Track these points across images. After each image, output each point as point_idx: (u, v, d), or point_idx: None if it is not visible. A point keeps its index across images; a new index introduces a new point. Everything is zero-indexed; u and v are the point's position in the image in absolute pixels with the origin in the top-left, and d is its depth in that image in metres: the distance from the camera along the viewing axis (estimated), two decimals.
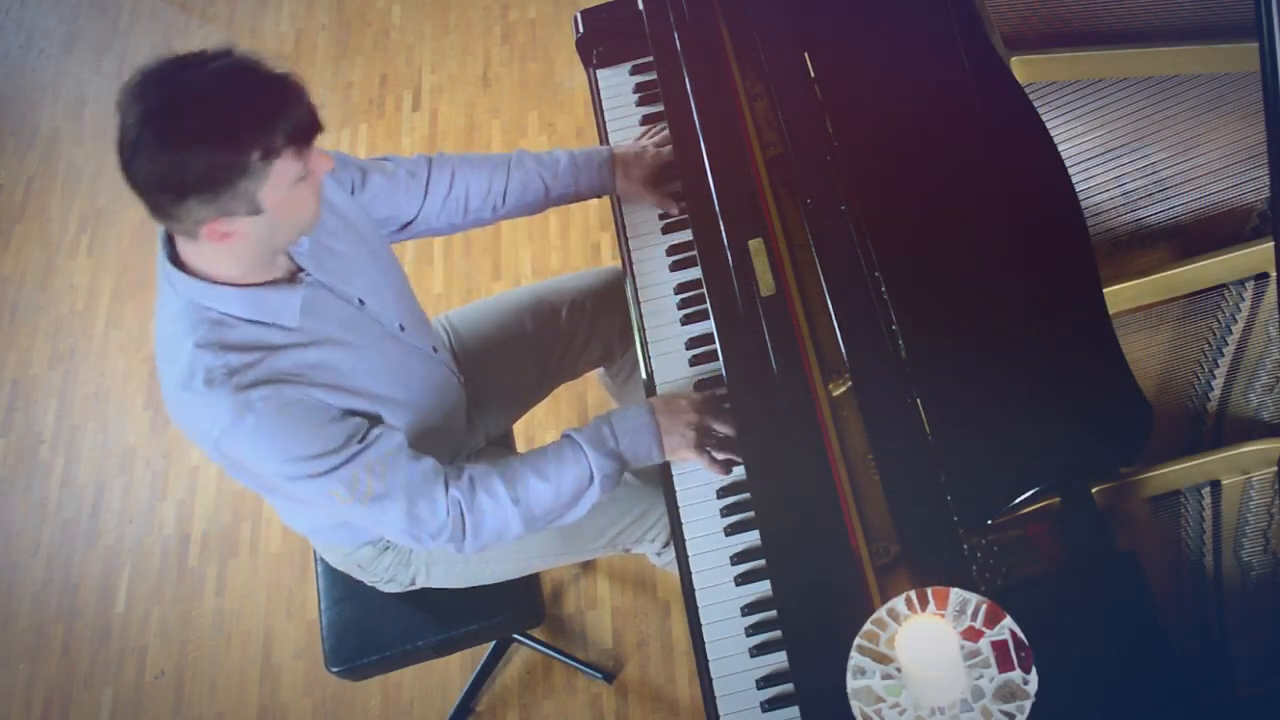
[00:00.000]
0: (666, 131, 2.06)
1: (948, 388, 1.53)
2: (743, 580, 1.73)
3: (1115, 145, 1.80)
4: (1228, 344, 1.64)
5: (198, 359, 1.57)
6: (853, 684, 1.35)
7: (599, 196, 2.07)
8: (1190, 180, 1.75)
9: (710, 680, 1.67)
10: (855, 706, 1.34)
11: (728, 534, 1.77)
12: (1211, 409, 1.62)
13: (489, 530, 1.76)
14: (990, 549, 1.51)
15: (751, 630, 1.69)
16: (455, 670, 2.65)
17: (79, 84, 3.93)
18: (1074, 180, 1.66)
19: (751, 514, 1.76)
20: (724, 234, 1.87)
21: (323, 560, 2.15)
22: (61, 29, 4.08)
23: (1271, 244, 1.59)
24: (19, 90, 3.97)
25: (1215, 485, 1.54)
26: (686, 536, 1.78)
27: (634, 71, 2.24)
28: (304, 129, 1.49)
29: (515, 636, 2.57)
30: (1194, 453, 1.52)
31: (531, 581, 2.14)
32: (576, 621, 2.64)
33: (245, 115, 1.44)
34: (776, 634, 1.67)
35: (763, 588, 1.71)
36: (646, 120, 2.18)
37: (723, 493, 1.81)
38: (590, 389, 2.91)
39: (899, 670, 1.33)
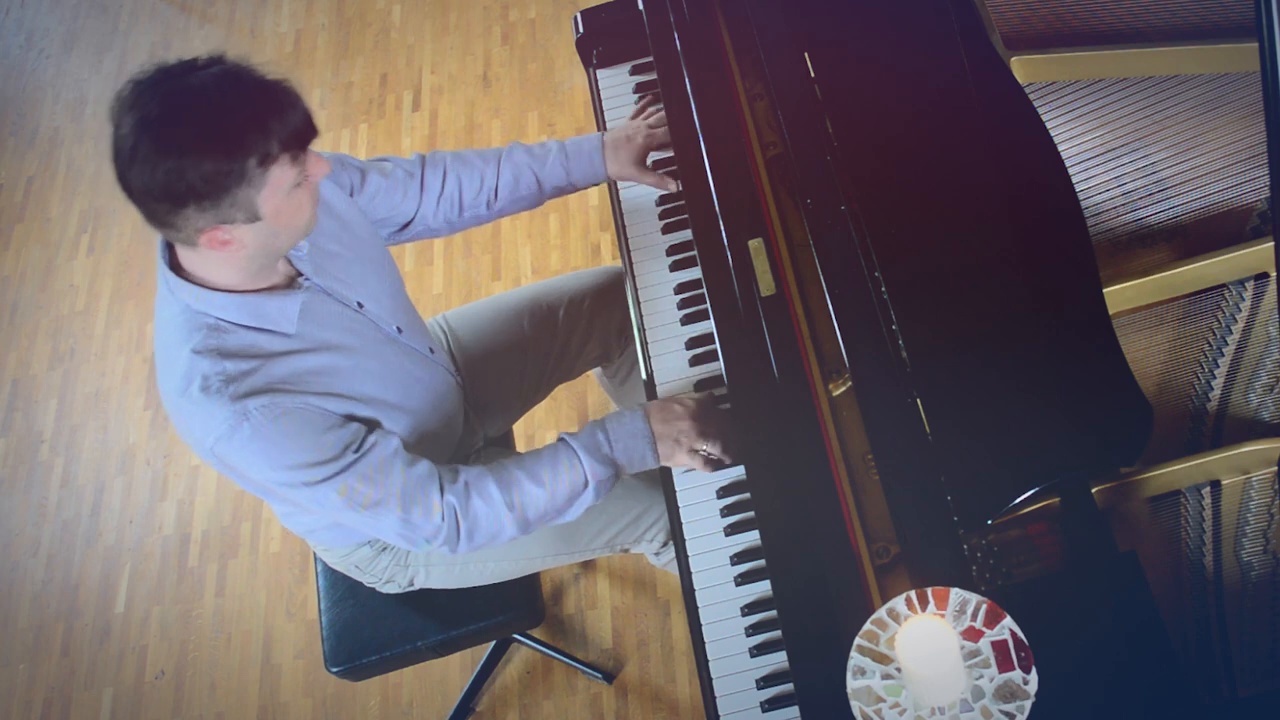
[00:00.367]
0: (661, 111, 2.04)
1: (948, 388, 1.53)
2: (743, 580, 1.73)
3: (1115, 145, 1.79)
4: (1228, 344, 1.64)
5: (195, 365, 1.57)
6: (853, 684, 1.35)
7: (595, 184, 2.06)
8: (1190, 180, 1.75)
9: (710, 680, 1.67)
10: (855, 706, 1.34)
11: (728, 534, 1.77)
12: (1211, 409, 1.62)
13: (483, 534, 1.76)
14: (990, 549, 1.51)
15: (751, 630, 1.69)
16: (455, 670, 2.65)
17: (79, 84, 3.93)
18: (1074, 180, 1.66)
19: (751, 514, 1.76)
20: (724, 234, 1.87)
21: (322, 560, 2.15)
22: (61, 29, 4.08)
23: (1271, 244, 1.59)
24: (19, 90, 3.97)
25: (1215, 485, 1.54)
26: (686, 536, 1.78)
27: (634, 71, 2.24)
28: (300, 134, 1.49)
29: (515, 636, 2.57)
30: (1194, 453, 1.52)
31: (531, 581, 2.14)
32: (576, 621, 2.64)
33: (242, 122, 1.44)
34: (776, 634, 1.67)
35: (763, 588, 1.71)
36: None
37: (723, 493, 1.81)
38: (589, 389, 2.91)
39: (899, 670, 1.33)
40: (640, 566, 2.67)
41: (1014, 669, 1.31)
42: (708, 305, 1.87)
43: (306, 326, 1.66)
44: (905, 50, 1.80)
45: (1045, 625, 1.35)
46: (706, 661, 1.68)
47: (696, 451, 1.79)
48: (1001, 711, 1.30)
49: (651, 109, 2.08)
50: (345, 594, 2.15)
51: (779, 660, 1.65)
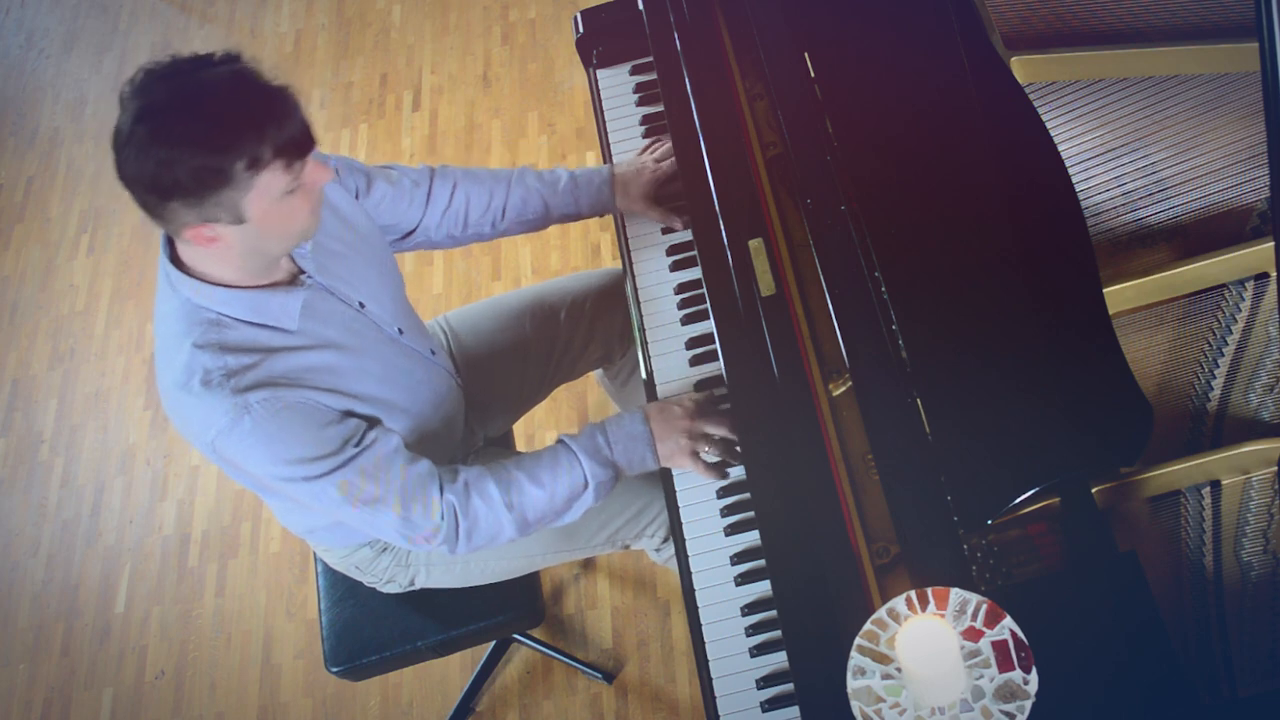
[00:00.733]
0: (667, 145, 2.06)
1: (948, 388, 1.53)
2: (743, 580, 1.73)
3: (1115, 145, 1.79)
4: (1228, 344, 1.64)
5: (196, 359, 1.57)
6: (853, 684, 1.35)
7: (600, 215, 2.08)
8: (1190, 180, 1.75)
9: (710, 680, 1.67)
10: (855, 706, 1.34)
11: (728, 534, 1.77)
12: (1211, 409, 1.62)
13: (482, 534, 1.76)
14: (990, 549, 1.51)
15: (751, 630, 1.69)
16: (455, 670, 2.65)
17: (79, 84, 3.93)
18: (1074, 180, 1.66)
19: (751, 514, 1.76)
20: (724, 234, 1.87)
21: (322, 560, 2.15)
22: (61, 29, 4.08)
23: (1271, 244, 1.59)
24: (19, 90, 3.97)
25: (1215, 485, 1.54)
26: (686, 537, 1.78)
27: (634, 71, 2.24)
28: (294, 143, 1.49)
29: (515, 636, 2.57)
30: (1194, 453, 1.52)
31: (531, 581, 2.14)
32: (576, 621, 2.64)
33: (237, 123, 1.44)
34: (776, 634, 1.67)
35: (763, 588, 1.71)
36: (646, 120, 2.18)
37: (723, 493, 1.81)
38: (589, 389, 2.91)
39: (899, 670, 1.33)
40: (640, 566, 2.67)
41: (1014, 669, 1.31)
42: (708, 305, 1.87)
43: (308, 323, 1.66)
44: (905, 50, 1.80)
45: (1045, 625, 1.35)
46: (706, 661, 1.68)
47: (697, 455, 1.79)
48: (1001, 711, 1.30)
49: (657, 144, 2.08)
50: (345, 594, 2.15)
51: (779, 660, 1.65)
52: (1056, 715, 1.32)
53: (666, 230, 2.05)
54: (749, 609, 1.70)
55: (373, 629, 2.12)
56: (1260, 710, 1.36)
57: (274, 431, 1.59)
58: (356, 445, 1.65)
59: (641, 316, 1.99)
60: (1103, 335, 1.49)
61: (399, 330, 1.82)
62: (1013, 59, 1.82)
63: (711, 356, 1.90)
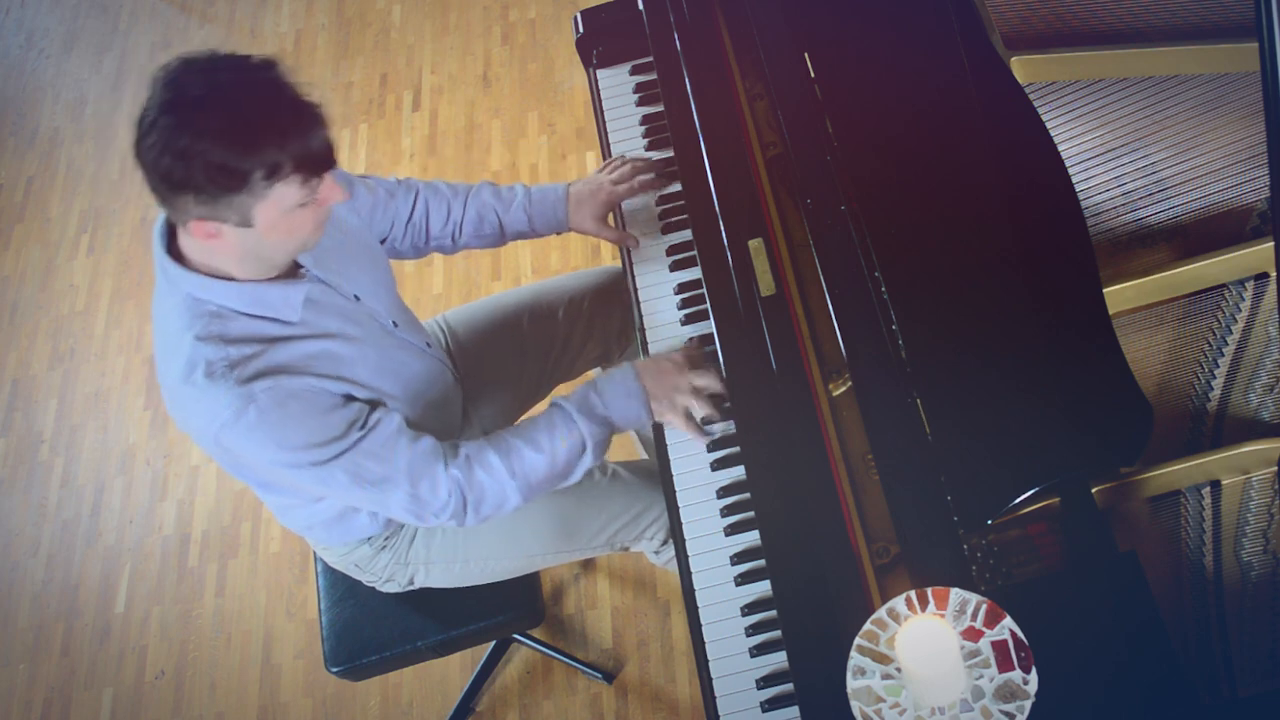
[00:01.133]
0: (626, 167, 2.05)
1: (948, 388, 1.53)
2: (743, 580, 1.73)
3: (1115, 145, 1.79)
4: (1228, 344, 1.64)
5: (199, 352, 1.57)
6: (853, 684, 1.35)
7: (555, 234, 2.08)
8: (1190, 180, 1.75)
9: (710, 680, 1.67)
10: (855, 706, 1.34)
11: (728, 534, 1.77)
12: (1211, 409, 1.62)
13: (489, 504, 1.78)
14: (990, 549, 1.51)
15: (751, 630, 1.69)
16: (455, 670, 2.65)
17: (79, 84, 3.93)
18: (1074, 180, 1.66)
19: (751, 514, 1.76)
20: (724, 234, 1.87)
21: (322, 560, 2.16)
22: (61, 29, 4.08)
23: (1271, 244, 1.59)
24: (19, 90, 3.97)
25: (1215, 485, 1.54)
26: (686, 536, 1.78)
27: (634, 71, 2.24)
28: (315, 159, 1.49)
29: (515, 636, 2.57)
30: (1194, 453, 1.52)
31: (531, 581, 2.14)
32: (576, 621, 2.64)
33: (261, 129, 1.45)
34: (776, 634, 1.67)
35: (763, 588, 1.71)
36: (646, 120, 2.18)
37: (723, 493, 1.81)
38: None
39: (899, 670, 1.33)
40: (640, 566, 2.67)
41: (1014, 669, 1.31)
42: (708, 305, 1.87)
43: (309, 314, 1.67)
44: (905, 50, 1.80)
45: (1045, 625, 1.35)
46: (706, 661, 1.68)
47: (688, 413, 1.80)
48: (1001, 711, 1.30)
49: (615, 163, 2.08)
50: (345, 594, 2.15)
51: (779, 660, 1.65)
52: (1056, 715, 1.32)
53: (666, 230, 2.05)
54: (749, 609, 1.70)
55: (373, 629, 2.12)
56: (1260, 710, 1.36)
57: (279, 420, 1.59)
58: (361, 428, 1.66)
59: (641, 316, 1.99)
60: (1103, 335, 1.49)
61: (394, 323, 1.83)
62: (1013, 59, 1.82)
63: (706, 349, 1.90)
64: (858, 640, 1.36)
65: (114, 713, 2.78)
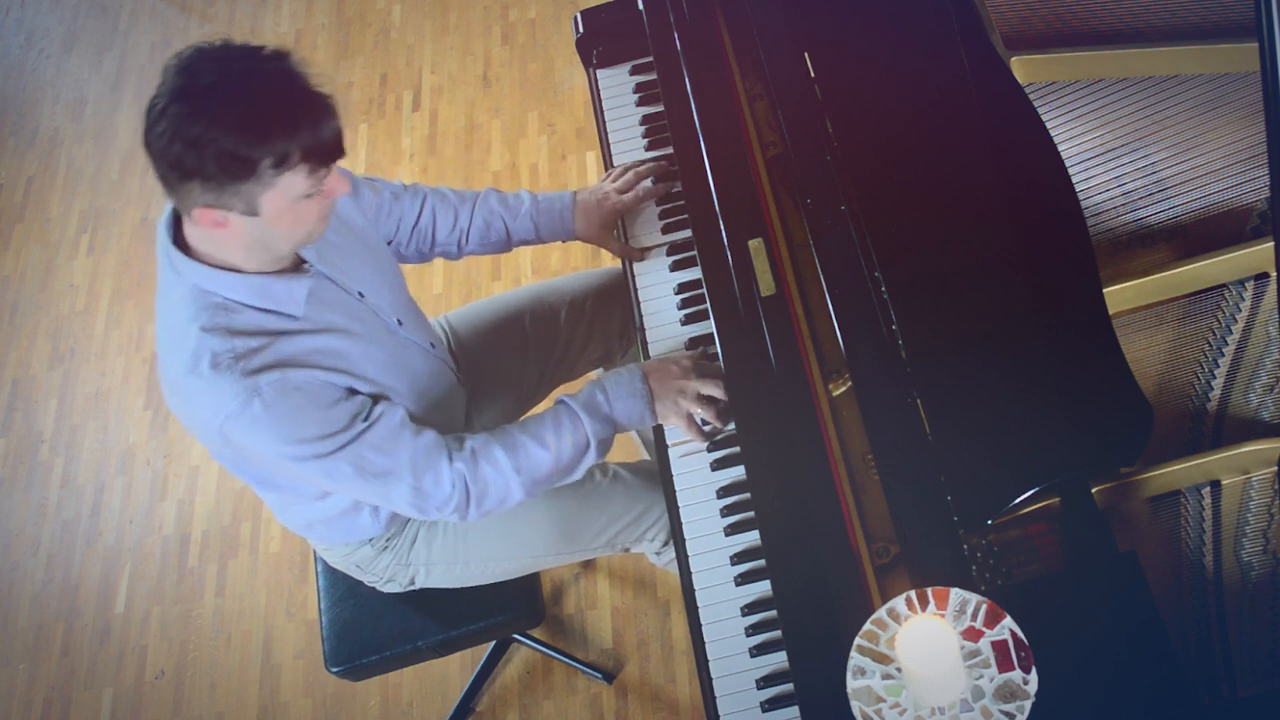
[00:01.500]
0: (629, 175, 2.06)
1: (948, 388, 1.53)
2: (743, 580, 1.73)
3: (1115, 145, 1.80)
4: (1228, 344, 1.64)
5: (204, 343, 1.58)
6: (853, 684, 1.35)
7: (561, 241, 2.09)
8: (1190, 180, 1.75)
9: (710, 680, 1.67)
10: (855, 706, 1.34)
11: (728, 534, 1.77)
12: (1211, 409, 1.62)
13: (492, 499, 1.78)
14: (990, 549, 1.51)
15: (751, 630, 1.69)
16: (455, 670, 2.65)
17: (79, 84, 3.93)
18: (1074, 180, 1.66)
19: (751, 514, 1.76)
20: (724, 234, 1.87)
21: (323, 560, 2.16)
22: (61, 29, 4.08)
23: (1271, 244, 1.59)
24: (19, 90, 3.97)
25: (1215, 485, 1.54)
26: (686, 536, 1.78)
27: (634, 71, 2.24)
28: (324, 150, 1.50)
29: (515, 636, 2.57)
30: (1194, 453, 1.52)
31: (531, 581, 2.14)
32: (576, 621, 2.64)
33: (272, 118, 1.45)
34: (776, 634, 1.67)
35: (763, 588, 1.71)
36: (646, 120, 2.18)
37: (723, 493, 1.81)
38: None
39: (899, 670, 1.33)
40: (640, 566, 2.67)
41: (1014, 669, 1.31)
42: (708, 305, 1.87)
43: (313, 309, 1.67)
44: (905, 50, 1.80)
45: (1045, 625, 1.35)
46: (706, 661, 1.68)
47: (691, 418, 1.81)
48: (1001, 711, 1.30)
49: (617, 171, 2.08)
50: (345, 594, 2.15)
51: (779, 660, 1.65)
52: (1056, 715, 1.32)
53: (666, 230, 2.05)
54: (749, 609, 1.70)
55: (373, 629, 2.12)
56: (1260, 710, 1.36)
57: (284, 413, 1.59)
58: (365, 420, 1.67)
59: (642, 316, 1.99)
60: (1103, 335, 1.49)
61: (398, 321, 1.83)
62: (1013, 59, 1.82)
63: (711, 357, 1.90)
64: (858, 640, 1.36)
65: (114, 713, 2.78)
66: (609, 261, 3.08)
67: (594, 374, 2.41)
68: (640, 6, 2.15)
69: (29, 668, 2.87)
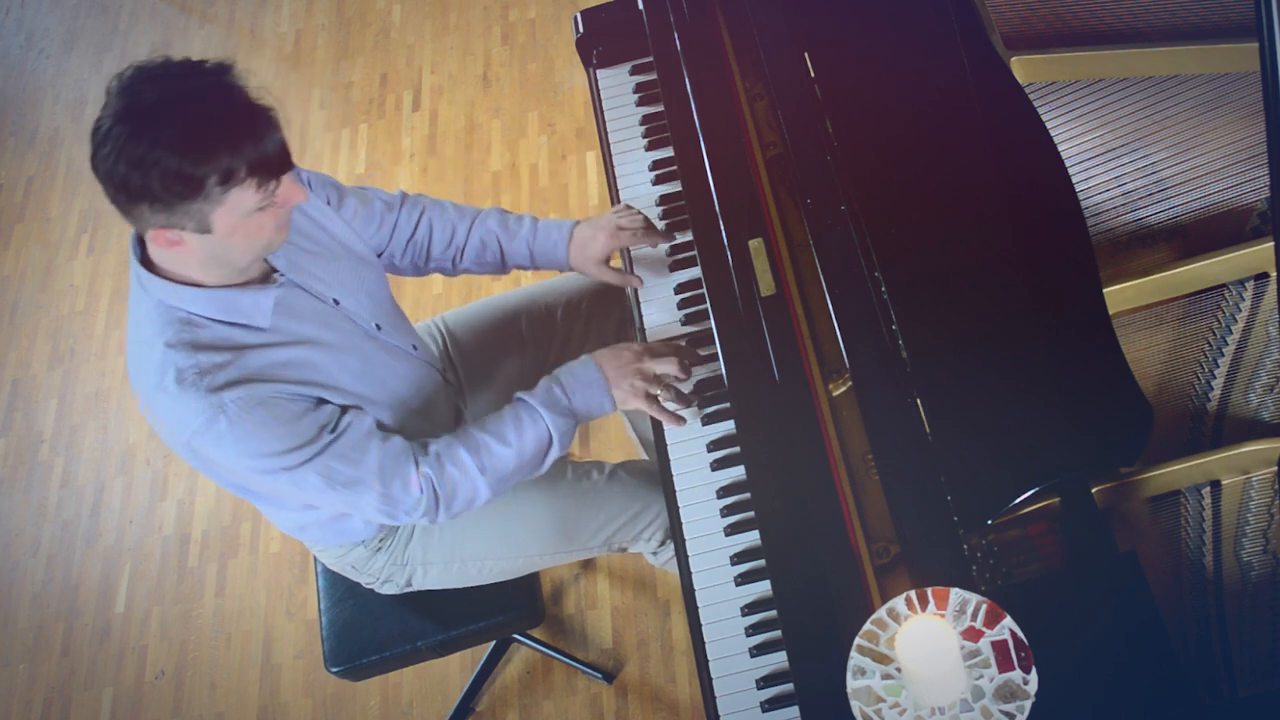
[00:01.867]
0: (638, 217, 1.99)
1: (948, 388, 1.53)
2: (743, 580, 1.73)
3: (1115, 145, 1.80)
4: (1228, 344, 1.64)
5: (169, 359, 1.58)
6: (853, 684, 1.35)
7: (553, 269, 2.08)
8: (1190, 180, 1.75)
9: (710, 680, 1.67)
10: (855, 706, 1.34)
11: (728, 534, 1.77)
12: (1211, 409, 1.62)
13: (460, 500, 1.78)
14: (990, 549, 1.51)
15: (751, 630, 1.69)
16: (455, 670, 2.65)
17: (79, 84, 3.93)
18: (1074, 180, 1.66)
19: (751, 514, 1.76)
20: (724, 234, 1.87)
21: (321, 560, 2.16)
22: (61, 29, 4.08)
23: (1271, 244, 1.59)
24: (19, 90, 3.97)
25: (1215, 485, 1.54)
26: (686, 536, 1.78)
27: (634, 71, 2.24)
28: (269, 163, 1.50)
29: (515, 636, 2.57)
30: (1194, 453, 1.52)
31: (531, 581, 2.14)
32: (576, 621, 2.64)
33: (216, 135, 1.45)
34: (776, 634, 1.67)
35: (763, 588, 1.71)
36: (646, 120, 2.18)
37: (723, 492, 1.81)
38: None
39: (899, 670, 1.33)
40: (640, 566, 2.67)
41: (1014, 669, 1.31)
42: (708, 305, 1.87)
43: (282, 321, 1.67)
44: (905, 50, 1.80)
45: (1045, 625, 1.35)
46: (706, 661, 1.68)
47: (653, 398, 1.81)
48: (1001, 711, 1.30)
49: (626, 210, 2.04)
50: (345, 594, 2.15)
51: (779, 660, 1.65)
52: (1056, 715, 1.32)
53: (666, 230, 2.05)
54: (749, 609, 1.70)
55: (372, 629, 2.12)
56: (1260, 710, 1.36)
57: (250, 429, 1.59)
58: (332, 431, 1.67)
59: (641, 316, 1.99)
60: (1103, 335, 1.49)
61: (376, 326, 1.83)
62: (1013, 59, 1.82)
63: (711, 357, 1.90)
64: (858, 640, 1.36)
65: (114, 713, 2.78)
66: None
67: None
68: (640, 6, 2.15)
69: (29, 668, 2.87)
